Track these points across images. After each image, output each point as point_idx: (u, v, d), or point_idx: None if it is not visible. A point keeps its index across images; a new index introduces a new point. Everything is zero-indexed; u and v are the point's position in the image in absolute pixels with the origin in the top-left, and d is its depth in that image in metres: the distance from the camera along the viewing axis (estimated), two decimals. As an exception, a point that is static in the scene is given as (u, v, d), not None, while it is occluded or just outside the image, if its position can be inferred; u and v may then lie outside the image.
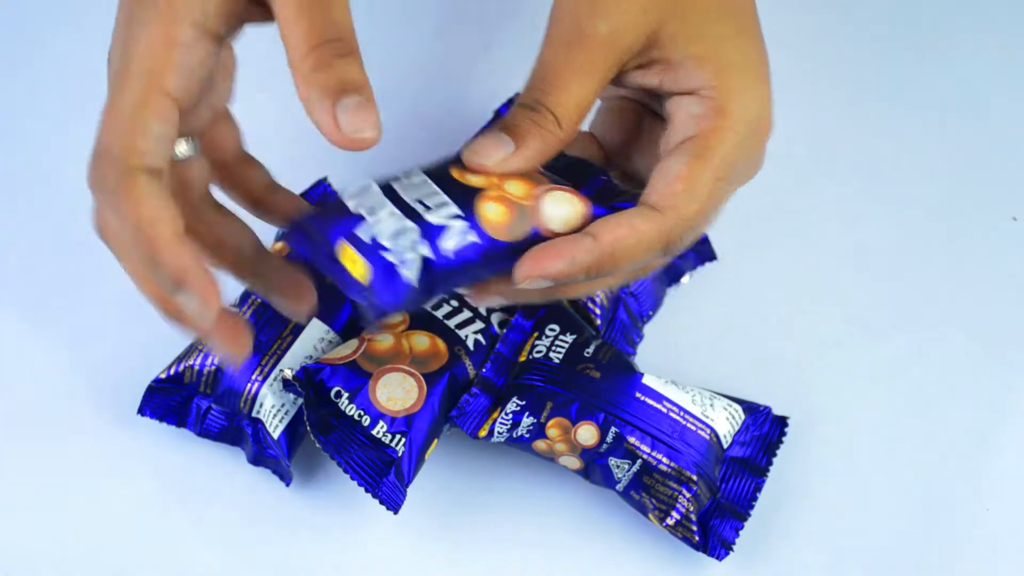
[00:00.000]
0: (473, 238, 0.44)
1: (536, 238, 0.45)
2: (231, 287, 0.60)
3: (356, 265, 0.43)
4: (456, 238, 0.44)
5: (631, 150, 0.52)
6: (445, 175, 0.46)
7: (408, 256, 0.43)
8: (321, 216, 0.45)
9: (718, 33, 0.46)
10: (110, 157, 0.42)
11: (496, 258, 0.45)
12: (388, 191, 0.45)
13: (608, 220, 0.45)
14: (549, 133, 0.45)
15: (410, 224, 0.44)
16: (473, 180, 0.45)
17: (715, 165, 0.45)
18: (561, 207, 0.45)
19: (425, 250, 0.44)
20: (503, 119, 0.46)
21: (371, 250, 0.43)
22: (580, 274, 0.44)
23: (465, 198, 0.45)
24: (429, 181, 0.45)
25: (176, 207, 0.42)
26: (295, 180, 0.65)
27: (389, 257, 0.43)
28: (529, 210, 0.45)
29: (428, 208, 0.44)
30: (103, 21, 0.72)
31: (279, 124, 0.61)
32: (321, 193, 0.63)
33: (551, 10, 0.47)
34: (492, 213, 0.45)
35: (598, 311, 0.59)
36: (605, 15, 0.45)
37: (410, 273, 0.43)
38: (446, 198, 0.45)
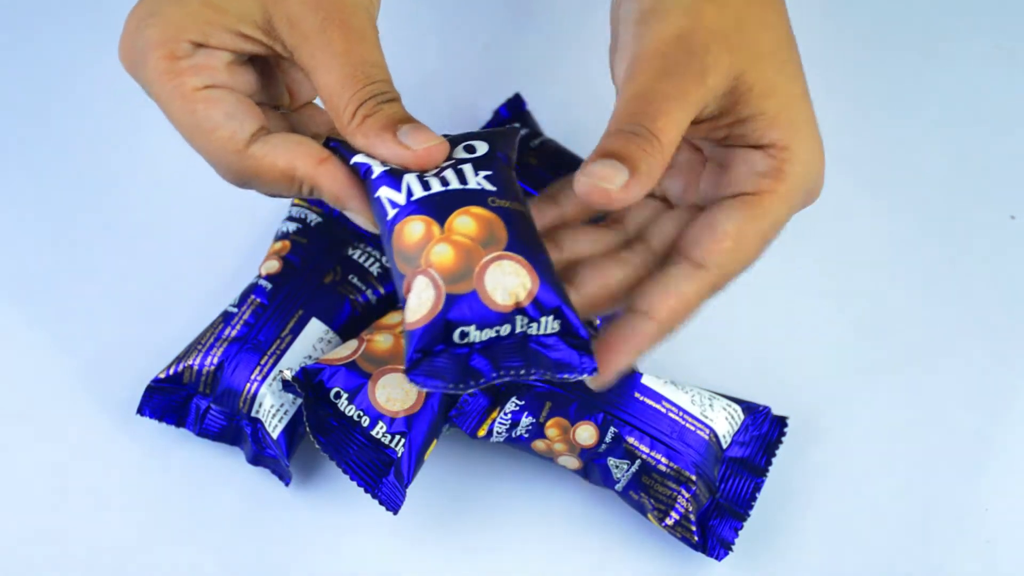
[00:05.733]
0: None
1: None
2: (230, 288, 0.60)
3: None
4: None
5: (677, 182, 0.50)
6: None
7: None
8: None
9: (791, 91, 0.45)
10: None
11: None
12: None
13: (655, 290, 0.43)
14: (656, 158, 0.43)
15: None
16: None
17: (764, 228, 0.44)
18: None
19: None
20: (601, 145, 0.42)
21: None
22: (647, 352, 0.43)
23: None
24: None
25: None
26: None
27: None
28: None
29: None
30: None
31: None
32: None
33: (628, 44, 0.45)
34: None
35: (597, 311, 0.59)
36: (695, 52, 0.44)
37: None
38: None
